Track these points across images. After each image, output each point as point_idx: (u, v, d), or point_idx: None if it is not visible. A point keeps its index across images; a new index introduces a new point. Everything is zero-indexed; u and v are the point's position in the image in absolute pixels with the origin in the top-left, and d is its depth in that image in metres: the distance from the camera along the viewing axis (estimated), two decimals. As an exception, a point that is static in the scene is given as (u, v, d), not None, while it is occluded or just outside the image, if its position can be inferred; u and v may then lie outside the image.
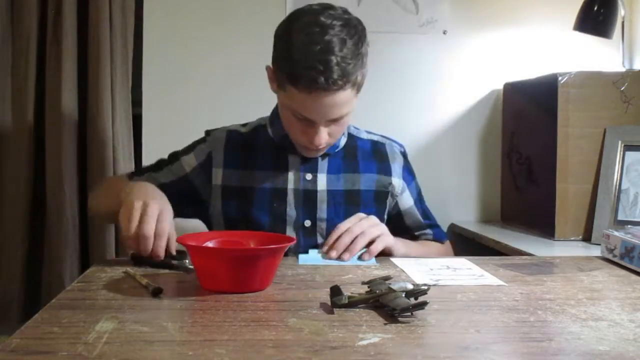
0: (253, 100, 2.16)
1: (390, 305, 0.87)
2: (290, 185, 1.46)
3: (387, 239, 1.35)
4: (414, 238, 1.60)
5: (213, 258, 1.03)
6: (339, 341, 0.77)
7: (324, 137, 1.36)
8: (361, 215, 1.37)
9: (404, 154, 1.61)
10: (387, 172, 1.54)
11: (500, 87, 2.27)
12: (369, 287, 1.00)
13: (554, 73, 1.87)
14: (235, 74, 2.18)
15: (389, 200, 1.54)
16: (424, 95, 2.25)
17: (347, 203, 1.47)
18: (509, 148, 2.25)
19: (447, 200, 2.26)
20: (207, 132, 1.56)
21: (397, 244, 1.39)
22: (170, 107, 2.16)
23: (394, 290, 0.92)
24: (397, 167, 1.56)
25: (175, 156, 1.54)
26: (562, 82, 1.84)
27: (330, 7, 1.33)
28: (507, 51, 2.26)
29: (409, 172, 1.61)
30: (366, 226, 1.33)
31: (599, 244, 1.38)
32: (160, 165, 1.55)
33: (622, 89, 1.86)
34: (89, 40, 2.04)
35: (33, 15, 2.02)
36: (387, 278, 1.07)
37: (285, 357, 0.71)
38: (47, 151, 2.03)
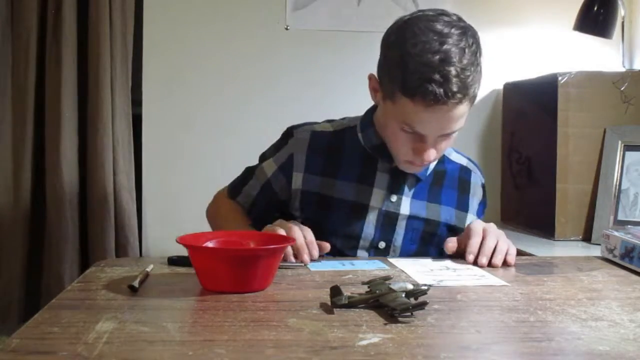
0: (253, 100, 2.16)
1: (390, 305, 0.87)
2: (373, 204, 1.37)
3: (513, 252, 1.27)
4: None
5: (213, 258, 1.02)
6: (339, 341, 0.77)
7: (433, 153, 1.27)
8: (492, 226, 1.28)
9: (484, 187, 1.51)
10: (465, 207, 1.45)
11: (500, 87, 2.27)
12: (369, 287, 0.99)
13: (554, 73, 1.87)
14: (235, 74, 2.18)
15: None
16: (424, 95, 2.25)
17: (424, 232, 1.40)
18: (509, 148, 2.25)
19: (447, 200, 2.26)
20: (290, 131, 1.45)
21: None
22: (170, 107, 2.16)
23: (394, 290, 0.92)
24: (475, 202, 1.48)
25: (260, 159, 1.48)
26: (562, 82, 1.84)
27: (444, 13, 1.26)
28: (507, 51, 2.26)
29: (482, 207, 1.51)
30: (500, 243, 1.25)
31: (599, 244, 1.38)
32: (248, 174, 1.49)
33: (622, 89, 1.86)
34: (89, 40, 2.04)
35: (33, 15, 2.02)
36: (387, 278, 1.07)
37: (285, 357, 0.71)
38: (47, 151, 2.04)
